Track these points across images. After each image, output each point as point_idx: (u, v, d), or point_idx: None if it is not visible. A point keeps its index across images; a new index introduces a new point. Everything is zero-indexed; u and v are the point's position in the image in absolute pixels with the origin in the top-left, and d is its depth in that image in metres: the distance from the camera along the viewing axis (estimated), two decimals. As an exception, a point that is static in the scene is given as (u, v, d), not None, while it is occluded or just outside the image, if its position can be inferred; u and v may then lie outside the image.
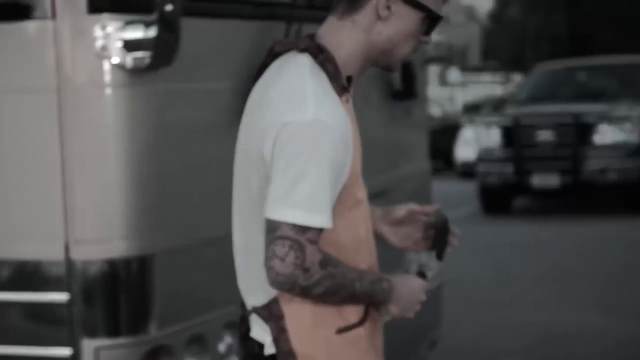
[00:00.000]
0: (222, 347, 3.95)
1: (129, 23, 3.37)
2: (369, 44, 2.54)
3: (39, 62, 3.52)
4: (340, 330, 2.56)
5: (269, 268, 2.37)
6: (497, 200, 15.12)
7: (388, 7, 2.44)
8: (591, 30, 43.52)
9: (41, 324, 3.62)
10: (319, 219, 2.38)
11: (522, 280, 9.95)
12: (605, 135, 14.16)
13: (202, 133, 3.84)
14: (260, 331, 2.60)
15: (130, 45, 3.39)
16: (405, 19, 2.50)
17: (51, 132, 3.52)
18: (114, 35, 3.40)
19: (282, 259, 2.34)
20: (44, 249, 3.53)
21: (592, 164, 14.10)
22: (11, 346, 3.59)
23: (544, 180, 14.44)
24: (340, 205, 2.47)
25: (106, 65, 3.41)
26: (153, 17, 3.30)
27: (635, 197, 14.55)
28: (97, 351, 3.51)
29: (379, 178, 5.23)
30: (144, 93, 3.54)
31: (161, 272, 3.62)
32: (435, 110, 23.37)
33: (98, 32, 3.42)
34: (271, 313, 2.58)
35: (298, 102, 2.40)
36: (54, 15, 3.44)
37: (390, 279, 2.55)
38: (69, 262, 3.52)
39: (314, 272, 2.37)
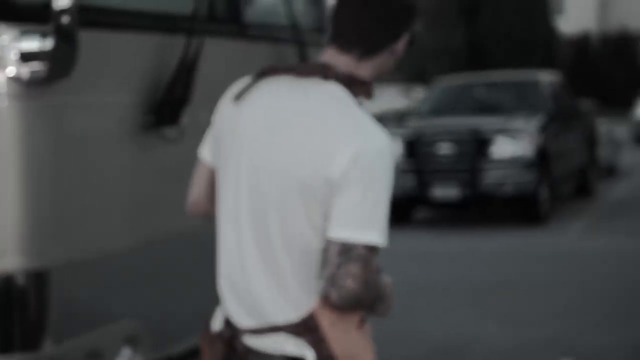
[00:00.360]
0: (120, 360, 3.88)
1: (24, 33, 3.31)
2: (377, 74, 2.86)
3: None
4: (360, 325, 2.86)
5: (339, 287, 2.55)
6: (398, 211, 15.10)
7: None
8: (487, 45, 44.17)
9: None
10: (385, 239, 2.62)
11: (422, 290, 9.99)
12: (502, 148, 14.37)
13: (101, 145, 3.75)
14: (294, 347, 2.73)
15: (26, 57, 3.34)
16: (400, 46, 2.84)
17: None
18: (10, 46, 3.35)
19: (356, 278, 2.53)
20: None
21: (490, 177, 14.30)
22: None
23: (444, 192, 14.58)
24: None
25: (1, 77, 3.35)
26: (49, 27, 3.22)
27: (531, 209, 14.79)
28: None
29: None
30: (41, 106, 3.47)
31: (57, 286, 3.54)
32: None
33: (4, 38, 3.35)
34: (307, 327, 2.72)
35: (367, 130, 2.60)
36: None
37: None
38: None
39: (373, 288, 2.67)
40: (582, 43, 49.22)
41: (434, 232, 14.29)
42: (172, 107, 3.88)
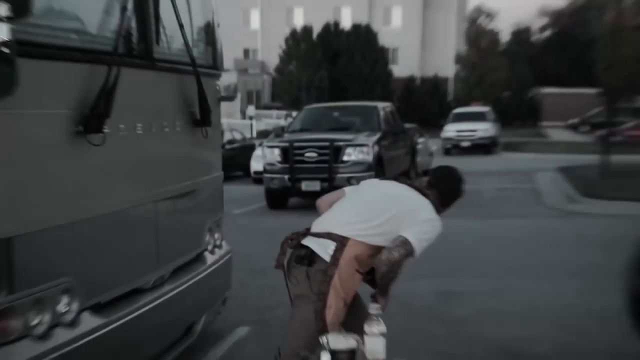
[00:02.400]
0: (60, 306, 3.76)
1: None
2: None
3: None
4: (357, 272, 3.89)
5: (391, 251, 3.79)
6: (278, 199, 15.40)
7: None
8: (344, 82, 44.58)
9: None
10: (417, 252, 3.88)
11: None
12: (351, 155, 14.59)
13: (40, 146, 3.60)
14: (319, 248, 3.91)
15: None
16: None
17: None
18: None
19: (400, 255, 3.80)
20: None
21: (343, 175, 14.49)
22: None
23: (309, 185, 14.63)
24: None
25: None
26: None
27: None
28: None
29: (188, 182, 5.18)
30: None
31: (9, 254, 3.39)
32: (237, 135, 23.35)
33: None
34: (342, 242, 3.87)
35: (430, 209, 4.06)
36: None
37: None
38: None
39: (397, 268, 3.86)
40: (408, 83, 49.86)
41: (303, 214, 14.22)
42: (97, 119, 3.77)
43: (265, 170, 15.06)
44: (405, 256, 3.81)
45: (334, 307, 3.72)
